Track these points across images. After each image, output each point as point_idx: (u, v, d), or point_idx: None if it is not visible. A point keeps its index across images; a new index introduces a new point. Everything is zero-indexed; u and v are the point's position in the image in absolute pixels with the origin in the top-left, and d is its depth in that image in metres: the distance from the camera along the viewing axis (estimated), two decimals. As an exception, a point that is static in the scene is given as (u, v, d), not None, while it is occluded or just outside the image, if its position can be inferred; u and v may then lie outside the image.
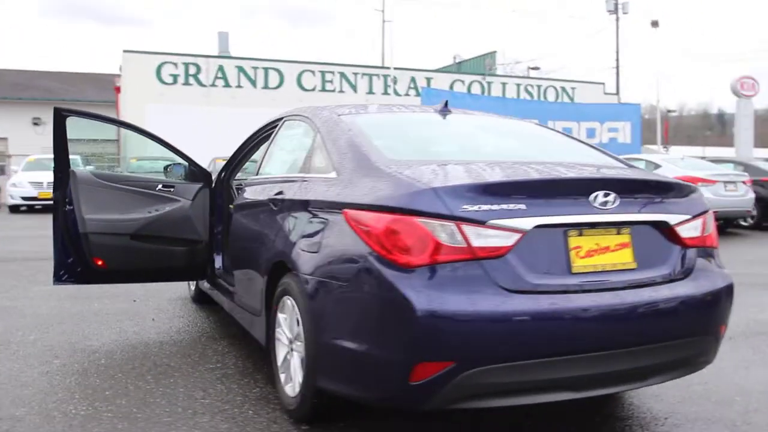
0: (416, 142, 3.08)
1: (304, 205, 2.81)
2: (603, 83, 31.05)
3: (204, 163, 11.65)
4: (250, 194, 3.67)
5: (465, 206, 2.17)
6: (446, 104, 3.41)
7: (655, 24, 28.10)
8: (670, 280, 2.43)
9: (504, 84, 28.61)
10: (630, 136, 21.47)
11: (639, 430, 2.68)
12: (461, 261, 2.15)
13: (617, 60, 35.64)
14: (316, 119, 3.19)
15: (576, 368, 2.23)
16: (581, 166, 2.78)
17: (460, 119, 3.48)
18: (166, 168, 4.87)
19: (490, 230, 2.16)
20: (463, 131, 3.34)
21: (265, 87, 24.35)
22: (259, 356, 3.64)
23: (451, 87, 26.45)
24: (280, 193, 3.11)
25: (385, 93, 25.49)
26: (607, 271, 2.33)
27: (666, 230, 2.47)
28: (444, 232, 2.15)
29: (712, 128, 64.98)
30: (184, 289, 5.61)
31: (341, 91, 25.37)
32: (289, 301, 2.79)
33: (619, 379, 2.36)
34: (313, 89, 24.95)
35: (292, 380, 2.77)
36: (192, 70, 23.17)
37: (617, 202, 2.34)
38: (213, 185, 4.61)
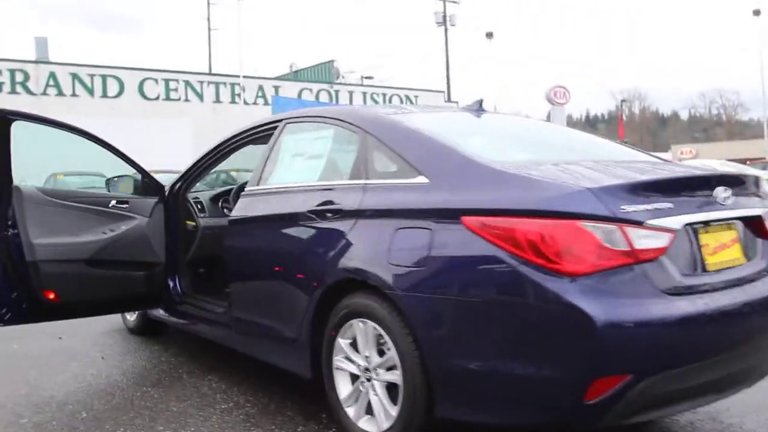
0: (495, 141, 2.90)
1: (382, 214, 2.52)
2: (443, 91, 32.48)
3: (40, 180, 10.41)
4: (260, 207, 3.27)
5: (624, 207, 2.04)
6: (481, 103, 3.26)
7: (489, 35, 29.78)
8: (766, 273, 2.46)
9: (351, 92, 28.99)
10: None
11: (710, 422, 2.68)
12: (624, 265, 2.01)
13: (447, 69, 37.74)
14: (358, 121, 2.91)
15: (721, 369, 2.19)
16: (661, 162, 2.78)
17: (503, 119, 3.37)
18: (108, 181, 4.28)
19: (648, 231, 2.06)
20: (522, 131, 3.22)
21: (104, 96, 22.60)
22: (277, 389, 3.28)
23: (299, 95, 26.47)
24: (327, 203, 2.78)
25: (233, 102, 24.74)
26: (730, 267, 2.31)
27: (756, 224, 2.50)
28: (608, 236, 2.01)
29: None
30: (115, 320, 4.97)
31: (187, 100, 24.24)
32: (360, 325, 2.51)
33: (749, 376, 2.35)
34: (157, 98, 23.60)
35: (375, 414, 2.48)
36: (19, 77, 20.97)
37: (732, 198, 2.33)
38: (165, 199, 4.11)
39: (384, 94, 29.68)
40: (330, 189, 2.86)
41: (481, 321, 2.13)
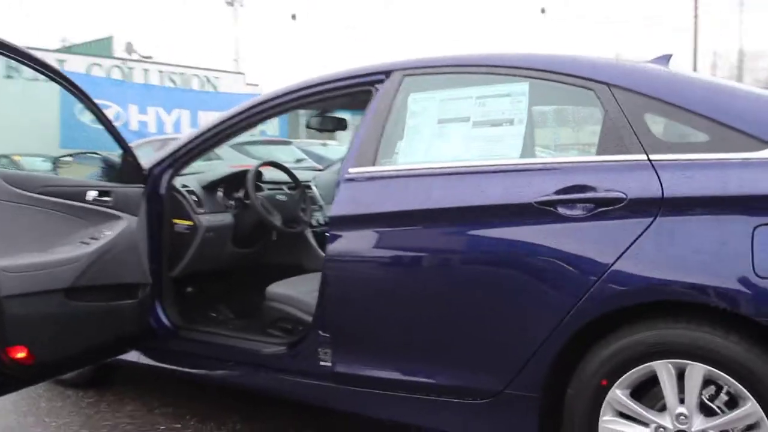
0: None
1: (712, 204, 1.91)
2: (244, 74, 30.98)
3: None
4: (401, 198, 2.44)
5: None
6: (669, 59, 2.60)
7: (293, 17, 28.95)
8: None
9: (146, 70, 26.41)
10: (278, 129, 21.87)
11: None
12: None
13: (236, 51, 36.37)
14: (593, 73, 2.25)
15: None
16: None
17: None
18: (56, 161, 3.03)
19: None
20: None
21: None
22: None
23: (89, 71, 23.41)
24: (576, 189, 2.07)
25: (8, 77, 21.04)
26: None
27: None
28: None
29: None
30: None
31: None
32: (669, 368, 1.91)
33: None
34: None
35: None
36: None
37: None
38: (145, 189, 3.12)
39: (182, 74, 27.51)
40: (566, 169, 2.16)
41: None
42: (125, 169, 2.92)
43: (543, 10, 29.21)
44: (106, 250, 2.64)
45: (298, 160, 9.51)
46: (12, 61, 2.50)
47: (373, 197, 2.48)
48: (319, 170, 4.64)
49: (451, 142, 2.49)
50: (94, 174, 2.96)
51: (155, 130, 18.05)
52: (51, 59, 21.20)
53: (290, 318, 3.01)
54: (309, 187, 3.96)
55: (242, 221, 3.53)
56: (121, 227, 2.76)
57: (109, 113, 19.57)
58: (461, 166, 2.37)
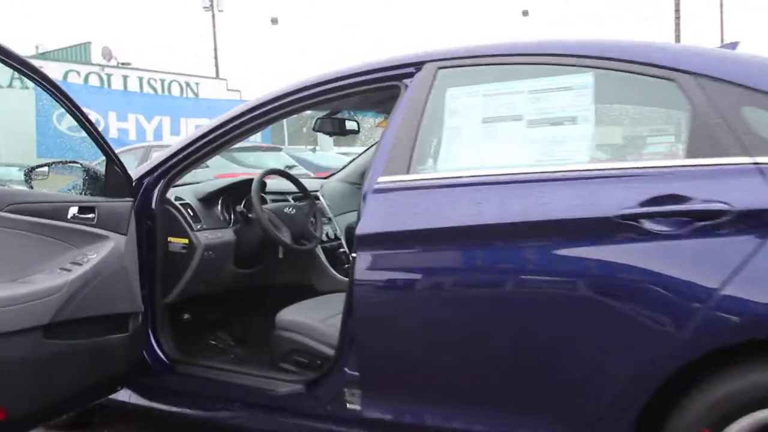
0: None
1: None
2: (226, 79, 30.53)
3: None
4: (448, 213, 2.05)
5: None
6: (735, 45, 2.26)
7: (274, 21, 28.49)
8: None
9: (125, 77, 25.79)
10: (260, 135, 21.57)
11: None
12: None
13: (216, 57, 35.73)
14: (673, 62, 1.90)
15: None
16: None
17: None
18: (30, 173, 2.62)
19: None
20: None
21: None
22: None
23: (65, 77, 22.82)
24: (669, 200, 1.72)
25: (-18, 84, 20.41)
26: None
27: None
28: None
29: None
30: None
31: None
32: None
33: None
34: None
35: None
36: None
37: None
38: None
39: (163, 80, 27.06)
40: (651, 175, 1.81)
41: None
42: (111, 180, 2.52)
43: (525, 13, 28.96)
44: (90, 277, 2.23)
45: (288, 167, 9.12)
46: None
47: (410, 211, 2.10)
48: (323, 178, 4.24)
49: (501, 145, 2.12)
50: (75, 186, 2.55)
51: (135, 137, 17.57)
52: (26, 66, 20.77)
53: (306, 350, 2.62)
54: (317, 198, 3.56)
55: (245, 238, 3.10)
56: (107, 249, 2.36)
57: (88, 121, 19.17)
58: (517, 174, 2.00)
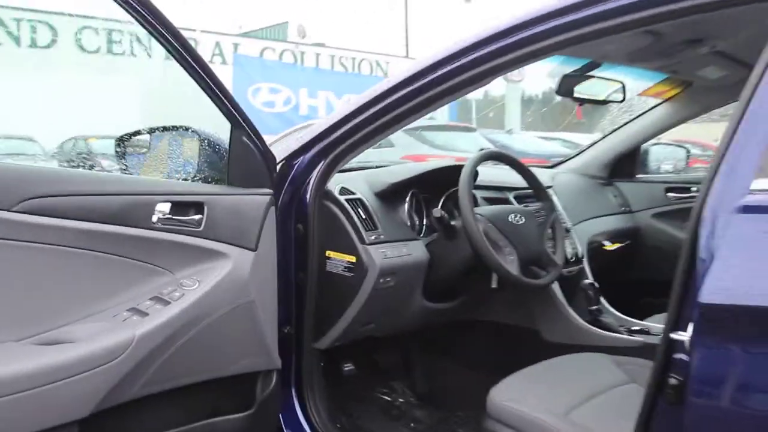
0: None
1: None
2: (415, 59, 30.05)
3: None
4: None
5: None
6: None
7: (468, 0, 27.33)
8: None
9: (318, 54, 26.14)
10: (447, 114, 20.78)
11: None
12: None
13: (406, 35, 35.52)
14: None
15: None
16: None
17: None
18: (121, 142, 1.54)
19: None
20: None
21: (32, 45, 19.14)
22: None
23: (262, 54, 23.50)
24: None
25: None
26: None
27: None
28: None
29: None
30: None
31: (132, 55, 20.84)
32: None
33: None
34: (97, 50, 20.17)
35: None
36: None
37: None
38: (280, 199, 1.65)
39: (353, 59, 27.27)
40: None
41: None
42: (238, 159, 1.54)
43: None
44: (185, 324, 1.27)
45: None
46: None
47: None
48: (547, 167, 3.03)
49: None
50: (178, 168, 1.61)
51: (325, 115, 17.48)
52: (227, 43, 21.67)
53: None
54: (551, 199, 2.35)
55: (444, 257, 2.03)
56: (221, 273, 1.39)
57: (281, 97, 19.37)
58: None
